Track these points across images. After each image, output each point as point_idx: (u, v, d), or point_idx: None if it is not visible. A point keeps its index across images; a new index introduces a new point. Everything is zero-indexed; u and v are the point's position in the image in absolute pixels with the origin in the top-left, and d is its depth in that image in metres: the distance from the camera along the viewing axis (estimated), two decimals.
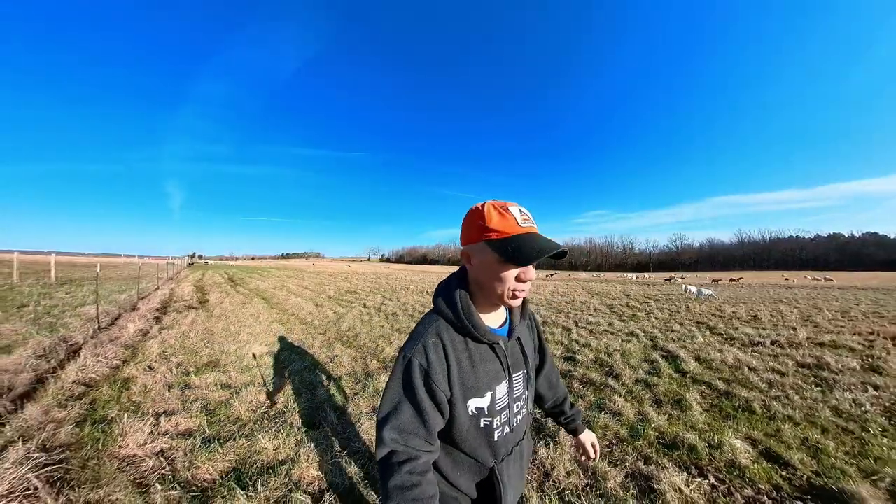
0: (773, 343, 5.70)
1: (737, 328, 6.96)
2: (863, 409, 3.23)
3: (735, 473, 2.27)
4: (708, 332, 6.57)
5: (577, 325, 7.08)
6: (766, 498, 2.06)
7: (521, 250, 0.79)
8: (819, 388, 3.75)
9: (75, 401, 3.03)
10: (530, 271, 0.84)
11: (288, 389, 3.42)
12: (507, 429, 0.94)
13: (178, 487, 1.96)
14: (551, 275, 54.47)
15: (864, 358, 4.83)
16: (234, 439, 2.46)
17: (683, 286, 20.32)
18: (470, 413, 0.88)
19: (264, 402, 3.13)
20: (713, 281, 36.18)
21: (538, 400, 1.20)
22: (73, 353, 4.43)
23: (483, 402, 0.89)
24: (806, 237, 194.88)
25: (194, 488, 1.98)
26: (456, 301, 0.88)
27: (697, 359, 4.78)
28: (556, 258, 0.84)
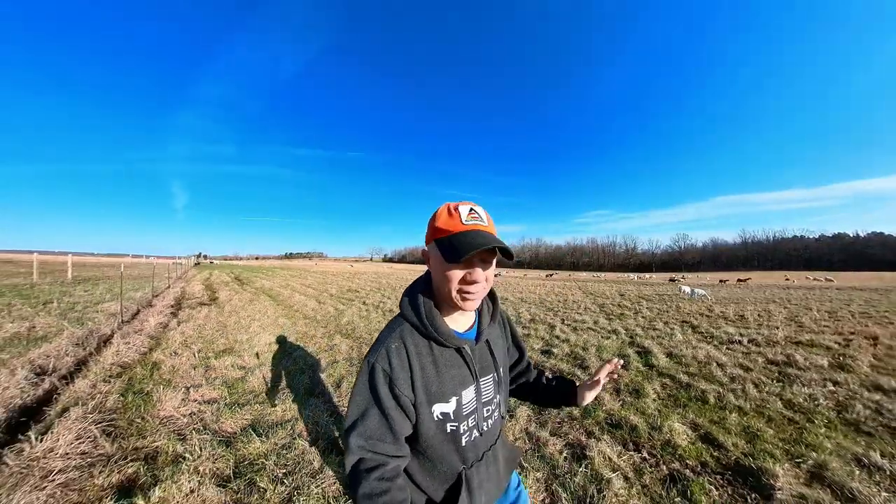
0: (750, 341, 5.84)
1: (719, 327, 7.14)
2: (816, 402, 3.39)
3: (668, 451, 2.50)
4: (690, 331, 6.80)
5: (562, 323, 7.46)
6: (689, 471, 2.29)
7: (454, 246, 0.78)
8: (780, 383, 3.90)
9: (115, 378, 3.60)
10: (476, 272, 0.81)
11: (293, 370, 3.98)
12: (475, 433, 0.93)
13: (208, 435, 2.52)
14: (550, 275, 54.64)
15: (836, 356, 4.97)
16: (250, 405, 3.03)
17: (679, 286, 20.75)
18: (435, 418, 0.86)
19: (273, 378, 3.69)
20: (721, 281, 35.40)
21: (530, 391, 1.17)
22: (104, 342, 5.01)
23: (448, 407, 0.87)
24: (810, 237, 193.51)
25: (221, 436, 2.54)
26: (419, 304, 0.87)
27: (669, 354, 5.00)
28: (504, 257, 0.83)
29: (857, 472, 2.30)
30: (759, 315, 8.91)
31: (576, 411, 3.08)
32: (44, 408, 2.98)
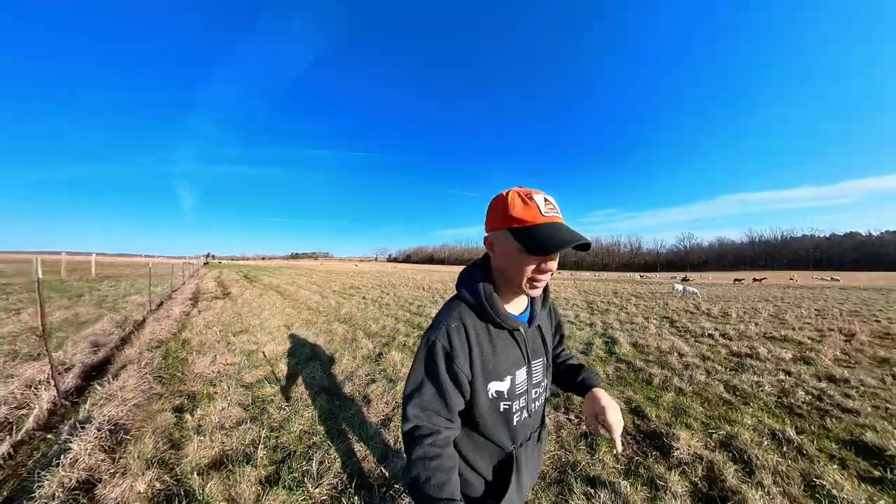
0: (722, 335, 6.00)
1: (698, 322, 7.33)
2: (760, 388, 3.55)
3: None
4: (667, 325, 7.02)
5: None
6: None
7: (541, 240, 0.79)
8: (733, 372, 4.07)
9: (155, 349, 4.50)
10: (551, 262, 0.84)
11: (297, 344, 4.84)
12: (525, 413, 0.97)
13: (233, 383, 3.38)
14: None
15: (802, 350, 5.08)
16: (262, 366, 3.90)
17: (673, 285, 21.22)
18: (490, 396, 0.90)
19: (280, 350, 4.56)
20: (736, 280, 35.03)
21: (559, 376, 1.18)
22: (138, 325, 5.94)
23: (503, 385, 0.91)
24: (820, 236, 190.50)
25: (242, 384, 3.40)
26: (478, 288, 0.91)
27: (634, 344, 5.24)
28: (579, 250, 0.83)
29: (766, 443, 2.52)
30: (744, 312, 9.00)
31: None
32: (106, 366, 3.88)
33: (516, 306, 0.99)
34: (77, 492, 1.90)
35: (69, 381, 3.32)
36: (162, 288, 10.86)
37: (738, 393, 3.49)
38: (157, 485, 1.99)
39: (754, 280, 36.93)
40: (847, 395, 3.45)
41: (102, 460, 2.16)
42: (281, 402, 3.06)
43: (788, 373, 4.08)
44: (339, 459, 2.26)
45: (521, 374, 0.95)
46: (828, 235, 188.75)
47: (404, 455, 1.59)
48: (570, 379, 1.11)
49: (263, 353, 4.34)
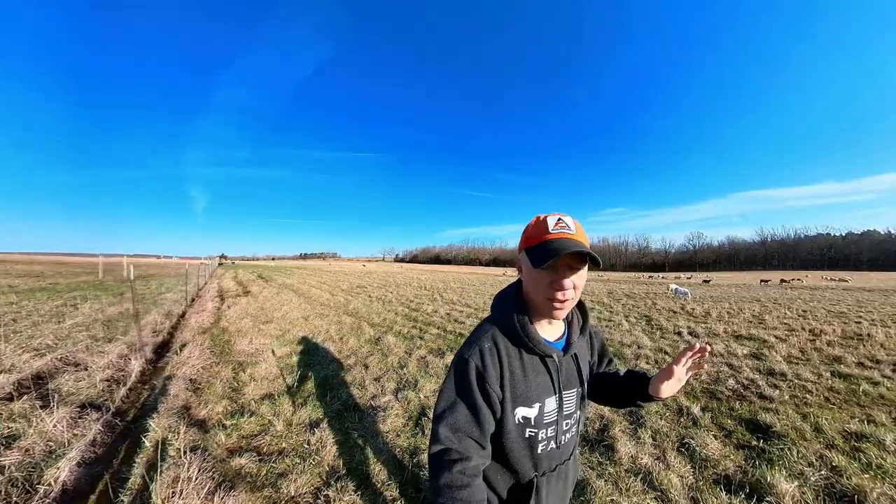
0: (690, 333, 6.36)
1: (674, 321, 7.66)
2: (697, 377, 3.95)
3: None
4: (644, 323, 7.43)
5: None
6: None
7: (538, 253, 0.81)
8: None
9: (202, 334, 5.66)
10: (565, 278, 0.82)
11: (313, 330, 5.98)
12: (552, 444, 0.95)
13: (268, 355, 4.52)
14: None
15: (760, 348, 5.36)
16: (289, 345, 5.05)
17: (667, 285, 21.88)
18: (516, 421, 0.90)
19: (301, 334, 5.70)
20: (762, 281, 34.59)
21: (602, 391, 1.11)
22: (181, 317, 7.15)
23: (531, 412, 0.90)
24: (836, 234, 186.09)
25: (275, 356, 4.53)
26: (510, 310, 0.92)
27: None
28: (592, 264, 0.83)
29: (667, 415, 3.01)
30: (727, 313, 9.24)
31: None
32: (168, 346, 5.05)
33: (552, 332, 0.97)
34: (178, 412, 3.02)
35: (148, 354, 4.49)
36: (189, 287, 12.15)
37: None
38: (229, 408, 3.11)
39: (781, 281, 35.60)
40: (775, 386, 3.80)
41: (190, 396, 3.29)
42: (304, 366, 4.17)
43: (731, 366, 4.46)
44: (344, 396, 3.36)
45: (552, 403, 0.93)
46: (844, 234, 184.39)
47: (428, 478, 1.57)
48: (623, 389, 1.04)
49: (288, 337, 5.49)
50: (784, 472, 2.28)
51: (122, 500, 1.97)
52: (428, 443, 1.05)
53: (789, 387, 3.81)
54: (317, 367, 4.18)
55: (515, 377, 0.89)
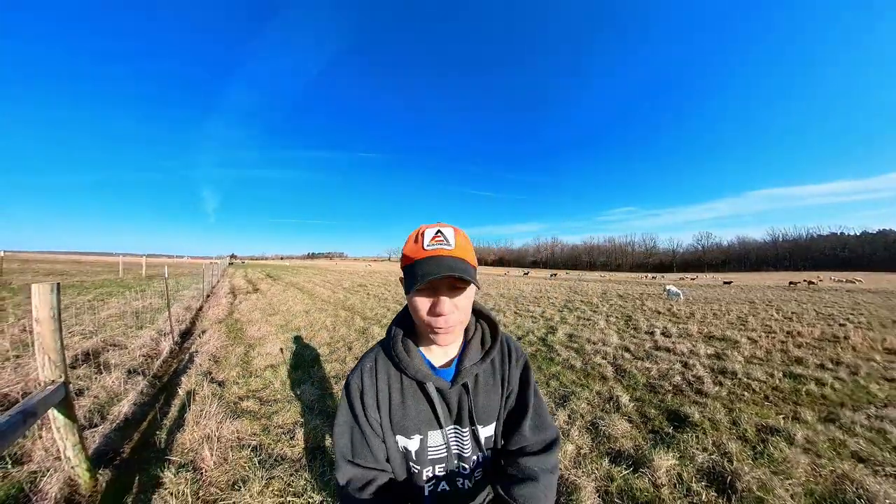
0: (662, 333, 6.39)
1: (653, 321, 7.74)
2: (646, 372, 4.00)
3: None
4: (623, 323, 7.52)
5: (514, 312, 8.96)
6: None
7: (411, 274, 0.73)
8: (639, 360, 4.55)
9: (218, 323, 6.60)
10: (442, 301, 0.71)
11: (313, 321, 6.89)
12: (443, 484, 0.85)
13: (274, 339, 5.41)
14: (554, 274, 54.33)
15: (726, 349, 5.40)
16: (294, 331, 5.95)
17: (662, 286, 22.27)
18: (400, 449, 0.84)
19: (303, 324, 6.59)
20: (791, 283, 32.26)
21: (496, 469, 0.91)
22: (198, 310, 8.12)
23: (411, 444, 0.83)
24: (850, 234, 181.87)
25: (279, 340, 5.42)
26: (392, 332, 0.85)
27: (570, 336, 5.91)
28: (460, 283, 0.73)
29: (595, 401, 3.26)
30: (712, 314, 9.20)
31: None
32: (190, 332, 5.99)
33: (441, 357, 0.86)
34: (202, 375, 3.90)
35: (175, 337, 5.42)
36: (203, 284, 13.20)
37: (624, 374, 4.05)
38: (241, 372, 4.00)
39: (808, 282, 33.51)
40: (719, 384, 3.86)
41: (211, 365, 4.20)
42: (300, 347, 5.06)
43: (685, 364, 4.50)
44: (327, 368, 4.23)
45: (436, 438, 0.83)
46: (858, 233, 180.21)
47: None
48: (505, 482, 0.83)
49: (292, 325, 6.39)
50: (674, 453, 2.44)
51: (165, 423, 2.85)
52: (334, 471, 0.93)
53: (733, 385, 3.86)
54: (310, 348, 5.06)
55: (393, 402, 0.82)
